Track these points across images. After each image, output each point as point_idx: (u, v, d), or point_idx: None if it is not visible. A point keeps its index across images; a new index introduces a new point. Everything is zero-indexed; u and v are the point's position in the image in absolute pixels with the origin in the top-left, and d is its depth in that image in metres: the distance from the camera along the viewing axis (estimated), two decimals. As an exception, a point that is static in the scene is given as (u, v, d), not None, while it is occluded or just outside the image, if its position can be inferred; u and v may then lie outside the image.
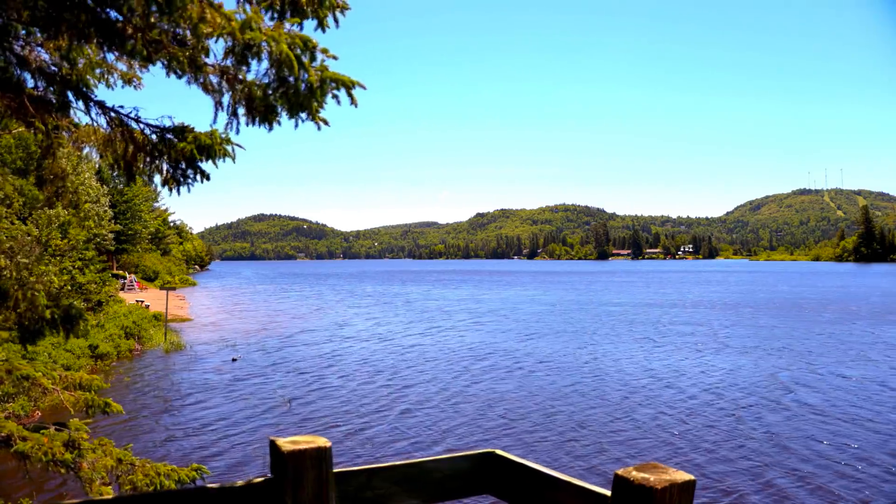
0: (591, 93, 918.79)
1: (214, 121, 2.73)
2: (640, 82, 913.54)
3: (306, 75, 2.44)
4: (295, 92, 2.47)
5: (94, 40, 2.52)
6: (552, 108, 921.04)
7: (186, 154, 3.07)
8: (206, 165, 3.18)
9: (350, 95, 2.57)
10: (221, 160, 3.13)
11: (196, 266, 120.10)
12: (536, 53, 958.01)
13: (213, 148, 3.07)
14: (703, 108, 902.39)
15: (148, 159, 3.20)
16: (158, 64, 2.66)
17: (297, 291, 62.99)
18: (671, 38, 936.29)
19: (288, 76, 2.42)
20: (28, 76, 3.12)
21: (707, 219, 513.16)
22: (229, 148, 3.10)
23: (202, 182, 3.21)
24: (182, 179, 3.18)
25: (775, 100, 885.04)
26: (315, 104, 2.52)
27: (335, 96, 2.55)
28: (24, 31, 2.91)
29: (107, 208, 46.07)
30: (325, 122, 2.66)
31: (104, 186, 47.50)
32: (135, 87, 3.51)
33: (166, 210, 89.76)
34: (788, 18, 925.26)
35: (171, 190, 3.21)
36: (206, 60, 2.60)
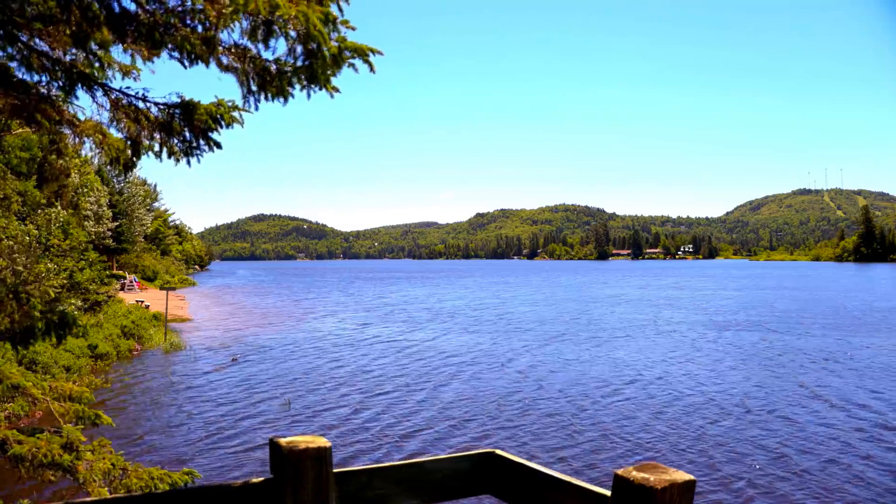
0: (592, 93, 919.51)
1: (243, 97, 2.80)
2: (640, 82, 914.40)
3: (326, 47, 2.50)
4: (320, 63, 2.54)
5: (104, 28, 2.54)
6: (552, 109, 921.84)
7: (201, 125, 3.18)
8: (215, 135, 3.32)
9: (368, 62, 2.63)
10: (230, 127, 3.26)
11: (196, 266, 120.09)
12: (536, 54, 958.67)
13: (223, 116, 3.21)
14: (703, 108, 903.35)
15: (157, 135, 3.29)
16: (165, 54, 2.69)
17: (297, 290, 62.99)
18: (671, 39, 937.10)
19: (314, 48, 2.48)
20: (33, 68, 3.14)
21: (707, 219, 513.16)
22: (237, 115, 3.25)
23: (213, 151, 3.33)
24: (192, 151, 3.30)
25: (775, 100, 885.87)
26: (329, 73, 2.59)
27: (352, 65, 2.61)
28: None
29: (105, 208, 46.08)
30: (337, 90, 2.74)
31: (105, 187, 47.55)
32: (134, 79, 3.54)
33: (166, 210, 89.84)
34: (788, 18, 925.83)
35: (177, 161, 3.33)
36: (222, 38, 2.64)
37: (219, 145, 3.33)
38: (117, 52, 3.20)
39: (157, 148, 3.33)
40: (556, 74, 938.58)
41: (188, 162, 3.33)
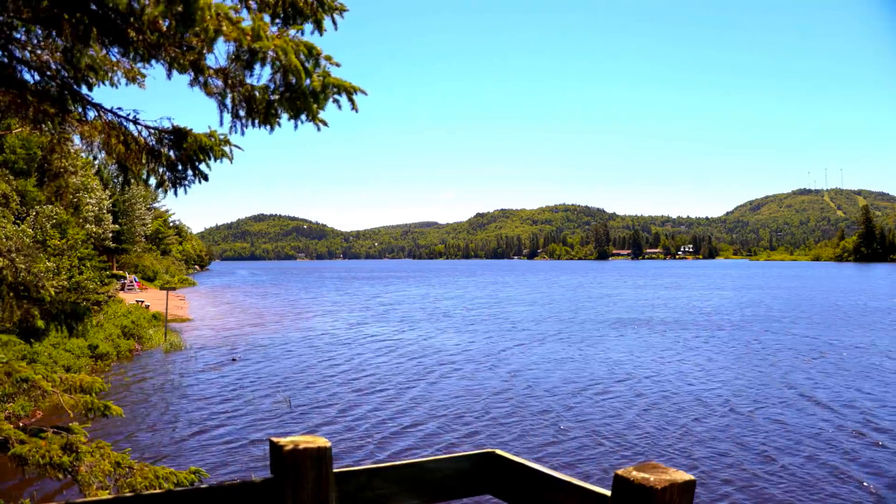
0: (591, 93, 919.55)
1: (221, 122, 2.78)
2: (641, 82, 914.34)
3: (309, 81, 2.49)
4: (300, 96, 2.52)
5: (97, 39, 2.53)
6: (552, 109, 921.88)
7: (188, 155, 3.13)
8: (203, 166, 3.24)
9: (351, 100, 2.62)
10: (219, 161, 3.19)
11: (196, 266, 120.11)
12: (536, 54, 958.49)
13: (212, 149, 3.14)
14: (703, 108, 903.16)
15: (146, 161, 3.24)
16: (160, 64, 2.68)
17: (296, 290, 62.96)
18: (671, 39, 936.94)
19: (294, 83, 2.47)
20: (28, 75, 3.12)
21: (707, 219, 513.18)
22: (227, 149, 3.18)
23: (200, 183, 3.27)
24: (180, 181, 3.24)
25: (775, 99, 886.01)
26: (315, 107, 2.57)
27: (336, 101, 2.60)
28: (23, 29, 2.91)
29: (106, 211, 46.01)
30: (324, 123, 2.71)
31: (106, 190, 47.53)
32: (139, 84, 3.52)
33: (166, 211, 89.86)
34: (788, 18, 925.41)
35: (165, 192, 3.28)
36: (208, 63, 2.63)
37: (205, 177, 3.27)
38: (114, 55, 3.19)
39: (144, 175, 3.28)
40: (556, 74, 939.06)
41: (175, 192, 3.27)
